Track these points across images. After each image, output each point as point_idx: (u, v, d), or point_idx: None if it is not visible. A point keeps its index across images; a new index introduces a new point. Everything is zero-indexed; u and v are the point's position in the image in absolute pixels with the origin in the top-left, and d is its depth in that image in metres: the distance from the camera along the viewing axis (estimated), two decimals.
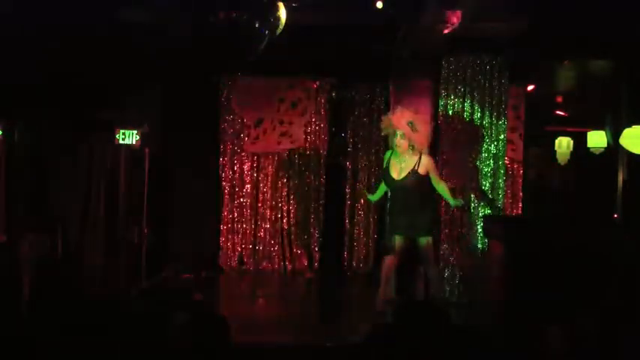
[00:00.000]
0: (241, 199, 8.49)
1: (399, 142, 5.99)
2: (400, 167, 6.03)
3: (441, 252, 6.81)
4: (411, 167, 5.99)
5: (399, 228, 6.05)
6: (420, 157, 6.00)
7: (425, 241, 5.99)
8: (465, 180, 6.84)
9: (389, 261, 6.11)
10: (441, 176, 6.29)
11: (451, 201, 6.13)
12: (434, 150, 6.58)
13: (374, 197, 6.55)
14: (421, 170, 5.98)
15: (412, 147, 6.00)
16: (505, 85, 6.97)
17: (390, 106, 7.09)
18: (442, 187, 6.10)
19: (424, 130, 6.10)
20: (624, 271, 5.47)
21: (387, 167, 6.11)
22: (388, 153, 6.19)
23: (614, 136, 7.96)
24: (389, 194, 6.35)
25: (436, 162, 6.38)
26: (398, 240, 6.05)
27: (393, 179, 6.05)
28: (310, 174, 8.48)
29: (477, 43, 6.74)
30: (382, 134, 6.26)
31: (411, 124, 6.00)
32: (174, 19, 5.95)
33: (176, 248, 8.18)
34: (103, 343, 3.27)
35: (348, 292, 7.60)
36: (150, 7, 6.13)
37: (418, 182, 5.99)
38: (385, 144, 6.51)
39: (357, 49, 7.33)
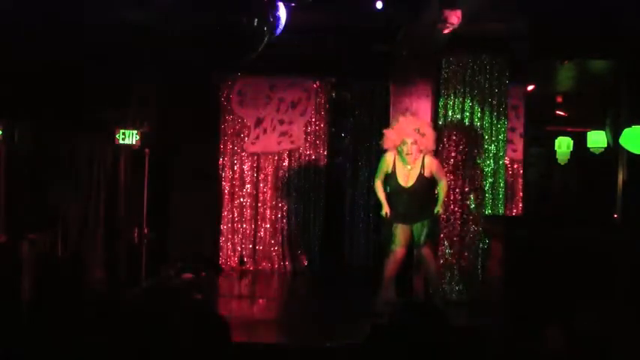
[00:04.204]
0: (241, 199, 8.49)
1: (410, 149, 5.98)
2: (407, 173, 6.04)
3: (440, 252, 6.81)
4: (417, 173, 6.01)
5: (401, 218, 6.07)
6: (423, 160, 6.02)
7: (426, 223, 6.02)
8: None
9: (392, 263, 6.11)
10: (442, 174, 6.26)
11: (439, 202, 6.13)
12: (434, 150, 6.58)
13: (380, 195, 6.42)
14: (427, 173, 6.03)
15: (420, 151, 6.02)
16: (505, 85, 6.96)
17: (390, 106, 7.09)
18: (442, 186, 6.13)
19: (430, 134, 6.11)
20: (624, 271, 5.47)
21: (394, 173, 6.07)
22: (389, 157, 6.14)
23: (614, 136, 7.96)
24: (389, 191, 6.28)
25: (437, 160, 6.36)
26: (400, 228, 6.06)
27: (401, 186, 6.04)
28: (310, 174, 8.48)
29: (477, 43, 6.74)
30: (386, 147, 6.20)
31: (418, 130, 6.03)
32: (174, 18, 5.95)
33: (176, 248, 8.18)
34: (103, 343, 3.27)
35: (348, 291, 7.59)
36: (150, 7, 6.12)
37: (426, 185, 6.04)
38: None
39: (357, 49, 7.33)
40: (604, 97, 8.43)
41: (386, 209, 6.13)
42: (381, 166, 6.17)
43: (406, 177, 6.04)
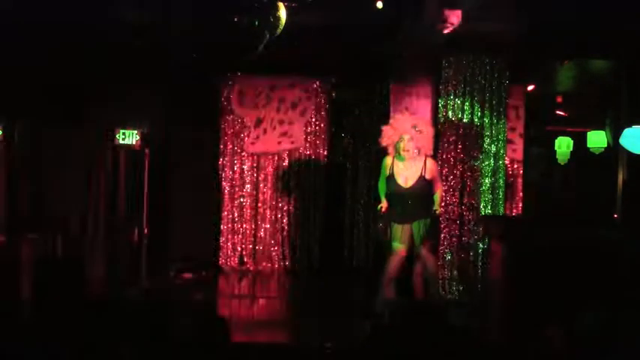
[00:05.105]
0: (241, 199, 8.50)
1: (407, 145, 6.00)
2: (406, 174, 6.05)
3: (440, 252, 6.81)
4: (418, 174, 6.03)
5: (400, 218, 6.08)
6: (425, 162, 6.04)
7: (424, 223, 6.04)
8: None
9: (394, 262, 6.12)
10: (441, 178, 6.30)
11: (437, 203, 6.20)
12: (434, 150, 6.58)
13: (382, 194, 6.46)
14: (428, 175, 6.05)
15: (418, 150, 6.03)
16: (505, 85, 6.97)
17: (390, 106, 7.09)
18: (439, 190, 6.22)
19: (428, 132, 6.13)
20: (624, 271, 5.47)
21: (392, 174, 6.10)
22: (388, 160, 6.16)
23: (614, 136, 7.95)
24: (388, 194, 6.29)
25: (438, 163, 6.38)
26: (401, 228, 6.07)
27: (401, 186, 6.06)
28: (310, 174, 8.48)
29: (477, 43, 6.73)
30: (384, 144, 6.22)
31: (415, 127, 6.04)
32: (175, 19, 5.96)
33: (176, 248, 8.18)
34: (103, 343, 3.27)
35: (348, 292, 7.60)
36: (151, 7, 6.13)
37: (425, 187, 6.06)
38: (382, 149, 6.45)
39: (357, 49, 7.33)
40: (604, 97, 8.42)
41: (382, 204, 6.18)
42: (381, 171, 6.22)
43: (405, 178, 6.06)
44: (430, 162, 6.09)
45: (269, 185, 8.49)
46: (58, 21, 6.26)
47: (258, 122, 8.44)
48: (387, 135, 6.16)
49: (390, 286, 6.18)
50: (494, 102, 6.93)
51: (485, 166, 6.91)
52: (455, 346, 2.89)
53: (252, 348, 4.74)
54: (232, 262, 8.44)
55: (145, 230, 7.17)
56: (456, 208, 6.88)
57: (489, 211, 6.87)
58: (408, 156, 6.04)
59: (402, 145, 6.02)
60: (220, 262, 8.43)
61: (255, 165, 8.49)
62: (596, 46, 6.80)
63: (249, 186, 8.48)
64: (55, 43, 6.70)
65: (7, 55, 6.48)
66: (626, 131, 6.93)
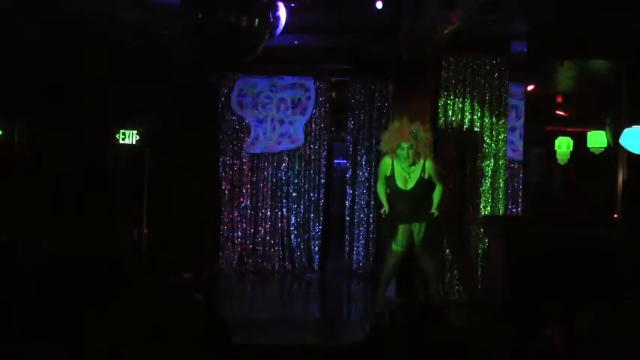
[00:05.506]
0: (241, 199, 8.50)
1: (407, 153, 6.00)
2: (407, 177, 6.05)
3: (440, 252, 6.81)
4: (417, 176, 6.03)
5: (401, 217, 6.08)
6: (424, 163, 6.03)
7: (424, 223, 6.04)
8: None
9: (393, 263, 6.12)
10: (440, 178, 6.29)
11: (435, 205, 6.16)
12: (434, 150, 6.57)
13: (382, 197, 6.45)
14: (427, 177, 6.05)
15: (418, 155, 6.03)
16: (505, 85, 6.97)
17: (390, 106, 7.10)
18: (439, 189, 6.16)
19: (427, 137, 6.12)
20: (624, 271, 5.47)
21: (392, 176, 6.09)
22: (387, 161, 6.15)
23: (614, 136, 7.95)
24: (387, 194, 6.29)
25: (437, 164, 6.38)
26: (401, 229, 6.08)
27: (400, 188, 6.06)
28: (310, 174, 8.48)
29: (477, 43, 6.73)
30: (384, 151, 6.21)
31: (414, 133, 6.03)
32: (174, 18, 5.96)
33: (176, 248, 8.18)
34: (103, 343, 3.28)
35: (348, 292, 7.60)
36: (150, 7, 6.13)
37: (425, 188, 6.06)
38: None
39: (357, 49, 7.33)
40: (604, 97, 8.41)
41: (385, 208, 6.17)
42: (380, 171, 6.21)
43: (405, 180, 6.07)
44: (429, 163, 6.07)
45: (269, 185, 8.50)
46: (58, 21, 6.26)
47: (258, 122, 8.45)
48: (387, 141, 6.16)
49: (390, 285, 6.19)
50: (494, 102, 6.93)
51: (485, 166, 6.91)
52: (455, 346, 2.89)
53: (252, 348, 4.74)
54: (232, 262, 8.46)
55: (145, 230, 7.17)
56: (456, 209, 6.87)
57: (489, 211, 6.86)
58: (409, 162, 6.04)
59: (402, 153, 6.01)
60: (220, 262, 8.45)
61: (255, 165, 8.51)
62: (596, 46, 6.80)
63: (249, 186, 8.49)
64: (55, 43, 6.70)
65: (7, 55, 6.48)
66: (626, 131, 6.93)
